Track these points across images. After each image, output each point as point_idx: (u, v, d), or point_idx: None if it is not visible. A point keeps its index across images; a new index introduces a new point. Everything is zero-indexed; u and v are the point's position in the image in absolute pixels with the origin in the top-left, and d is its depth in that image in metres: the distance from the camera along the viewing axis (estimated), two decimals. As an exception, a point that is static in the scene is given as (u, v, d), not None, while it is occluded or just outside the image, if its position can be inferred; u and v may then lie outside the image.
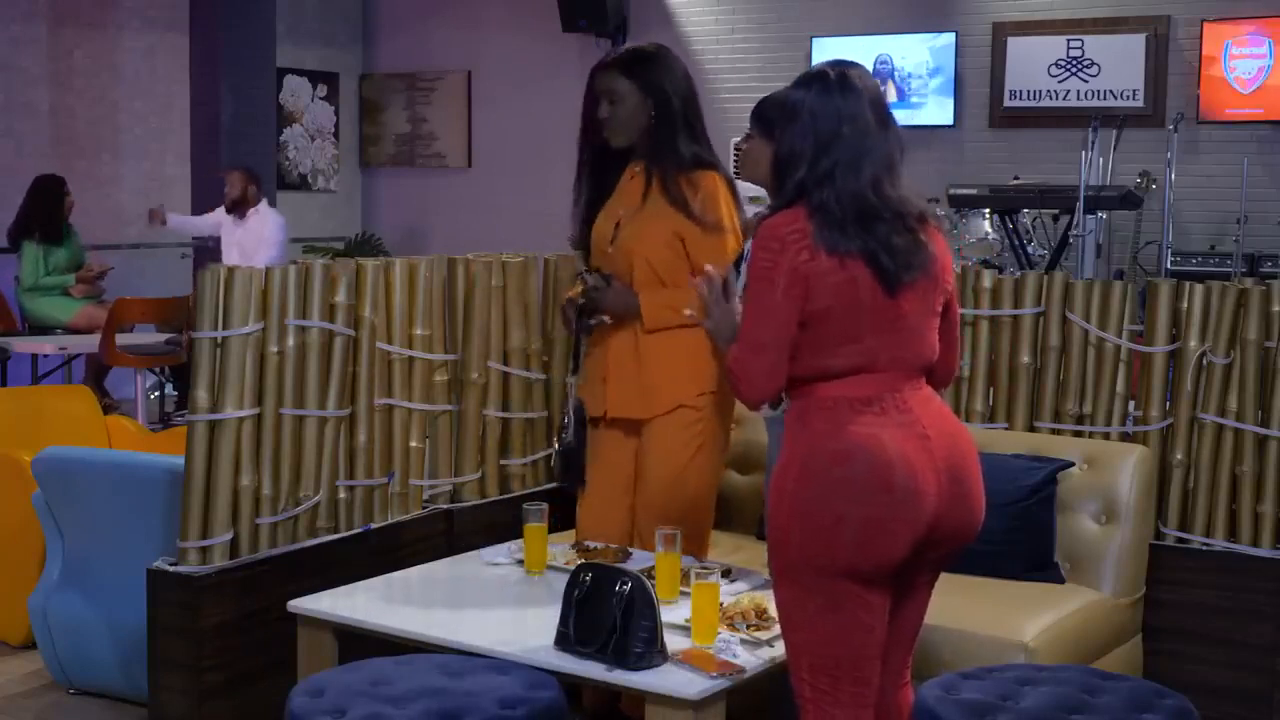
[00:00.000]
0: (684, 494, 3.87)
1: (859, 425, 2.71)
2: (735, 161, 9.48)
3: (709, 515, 3.99)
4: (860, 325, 2.72)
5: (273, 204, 9.36)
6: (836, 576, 2.71)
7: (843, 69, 2.81)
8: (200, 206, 9.35)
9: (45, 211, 8.80)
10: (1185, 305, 4.13)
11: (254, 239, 8.71)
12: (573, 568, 3.26)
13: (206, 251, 9.24)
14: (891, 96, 8.98)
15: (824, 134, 2.75)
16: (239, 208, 8.77)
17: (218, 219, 8.89)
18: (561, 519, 4.14)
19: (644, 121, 3.82)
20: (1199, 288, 4.12)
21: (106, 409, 7.22)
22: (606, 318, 3.86)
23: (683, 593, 3.35)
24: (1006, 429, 4.33)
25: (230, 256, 8.65)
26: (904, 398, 2.76)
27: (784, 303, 2.70)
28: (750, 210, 4.18)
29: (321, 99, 11.34)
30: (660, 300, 3.81)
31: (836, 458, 2.70)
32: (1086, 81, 8.61)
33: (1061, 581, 3.94)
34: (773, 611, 3.07)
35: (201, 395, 3.77)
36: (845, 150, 2.74)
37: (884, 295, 2.72)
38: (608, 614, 3.02)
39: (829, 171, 2.73)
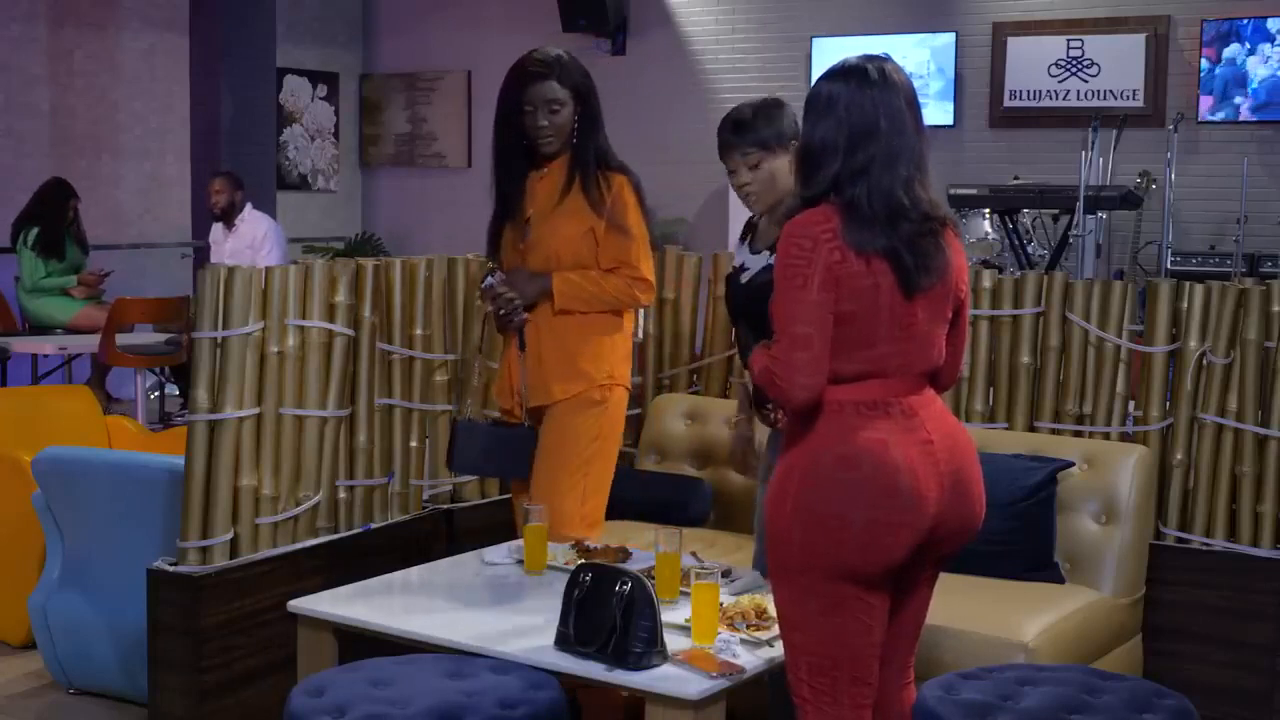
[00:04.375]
0: (581, 479, 3.89)
1: (866, 430, 2.70)
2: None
3: (603, 502, 4.00)
4: (876, 332, 2.71)
5: (273, 204, 9.31)
6: (837, 578, 2.71)
7: (880, 63, 2.76)
8: (200, 206, 9.32)
9: (44, 218, 8.66)
10: (1185, 305, 4.13)
11: (245, 245, 8.55)
12: (573, 568, 3.25)
13: (207, 251, 9.22)
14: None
15: (859, 127, 2.70)
16: (229, 216, 8.58)
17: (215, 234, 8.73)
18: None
19: (571, 125, 3.91)
20: (1199, 288, 4.12)
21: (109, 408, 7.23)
22: (525, 315, 3.91)
23: (683, 593, 3.35)
24: (1006, 429, 4.33)
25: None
26: (909, 403, 2.75)
27: (819, 299, 2.66)
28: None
29: (321, 99, 11.34)
30: (571, 279, 3.87)
31: (843, 462, 2.69)
32: (1086, 81, 8.61)
33: (1061, 581, 3.94)
34: (773, 611, 3.07)
35: (201, 395, 3.77)
36: (882, 145, 2.69)
37: (901, 300, 2.70)
38: (608, 614, 3.02)
39: (864, 166, 2.69)
